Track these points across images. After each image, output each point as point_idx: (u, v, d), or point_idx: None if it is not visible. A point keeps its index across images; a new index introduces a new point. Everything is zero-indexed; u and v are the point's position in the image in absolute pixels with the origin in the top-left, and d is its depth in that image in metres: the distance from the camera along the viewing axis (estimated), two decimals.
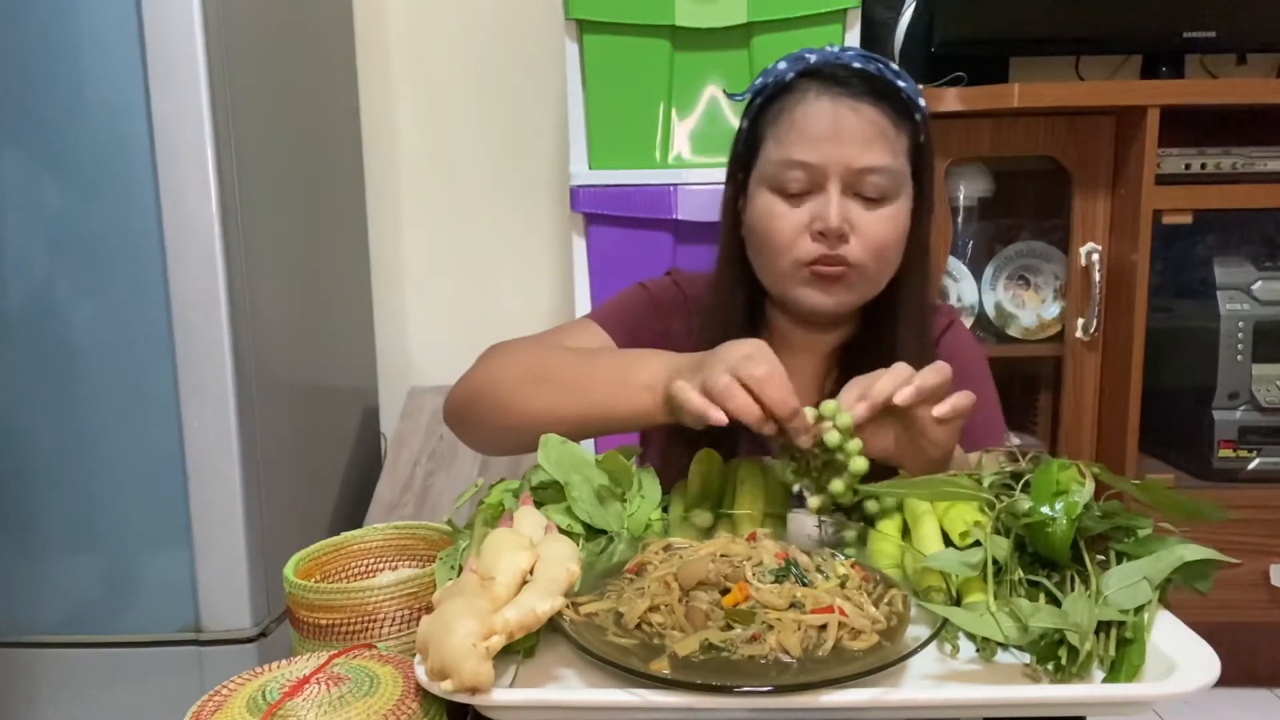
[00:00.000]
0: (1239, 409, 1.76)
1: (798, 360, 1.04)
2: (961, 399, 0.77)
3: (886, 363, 0.92)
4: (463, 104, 2.10)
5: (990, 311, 1.87)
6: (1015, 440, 1.91)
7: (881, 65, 0.93)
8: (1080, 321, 1.78)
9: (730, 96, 1.04)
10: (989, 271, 1.88)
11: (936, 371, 0.77)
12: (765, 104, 0.96)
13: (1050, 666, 0.60)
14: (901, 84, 0.93)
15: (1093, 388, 1.80)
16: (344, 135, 1.98)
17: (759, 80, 0.97)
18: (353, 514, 1.86)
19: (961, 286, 1.87)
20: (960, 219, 1.90)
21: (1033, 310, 1.87)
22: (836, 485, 0.78)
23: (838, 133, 0.90)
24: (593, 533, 0.77)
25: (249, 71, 1.47)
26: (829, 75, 0.92)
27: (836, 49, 0.95)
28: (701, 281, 1.06)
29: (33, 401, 1.42)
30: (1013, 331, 1.86)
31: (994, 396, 1.07)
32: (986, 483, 0.74)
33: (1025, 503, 0.68)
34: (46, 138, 1.37)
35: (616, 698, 0.57)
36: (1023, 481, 0.71)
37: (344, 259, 1.97)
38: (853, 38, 1.65)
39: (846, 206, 0.91)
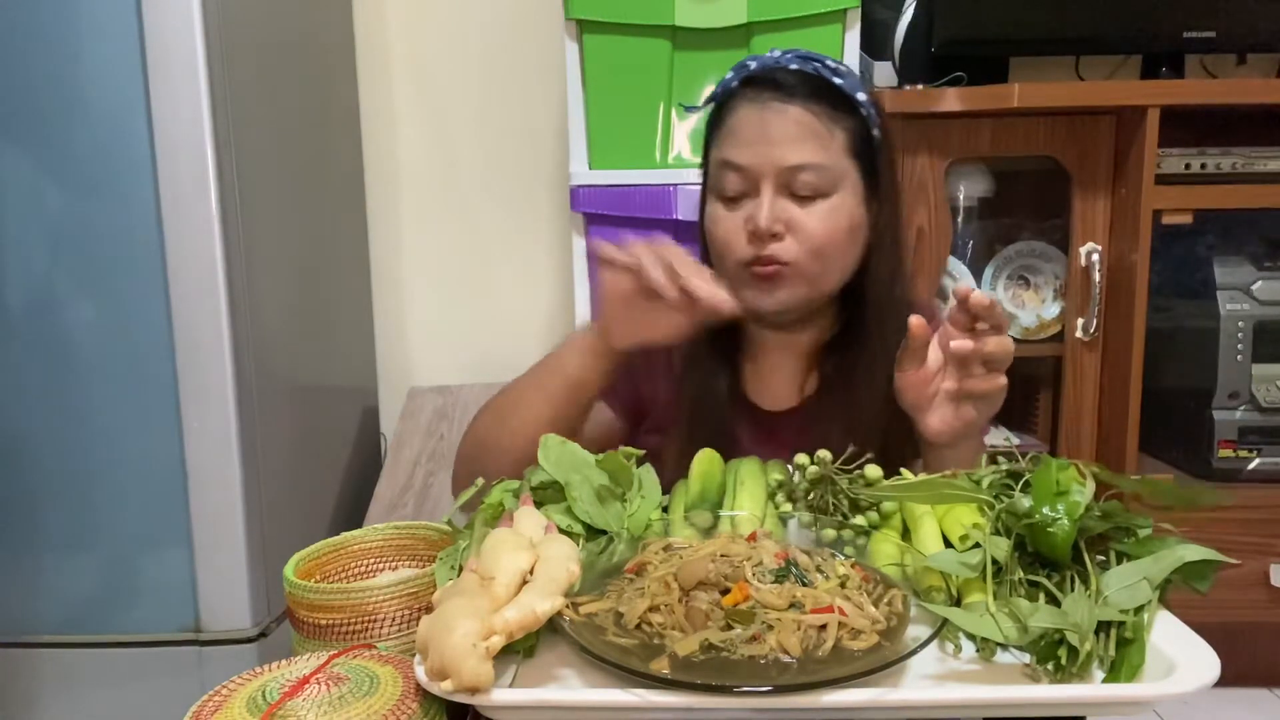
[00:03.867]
0: (1239, 409, 1.76)
1: (775, 361, 1.05)
2: (995, 344, 0.79)
3: (865, 360, 0.95)
4: (463, 104, 2.10)
5: None
6: (1016, 440, 1.92)
7: (819, 64, 0.95)
8: (1080, 321, 1.78)
9: (685, 109, 1.07)
10: (989, 271, 1.88)
11: (1002, 342, 0.80)
12: (714, 114, 1.00)
13: (1050, 666, 0.60)
14: (839, 80, 0.94)
15: (1093, 388, 1.80)
16: (344, 135, 1.98)
17: (714, 91, 0.99)
18: (353, 514, 1.86)
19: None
20: (960, 219, 1.90)
21: (1033, 310, 1.87)
22: (859, 520, 0.79)
23: (765, 134, 0.92)
24: (593, 533, 0.77)
25: (249, 71, 1.47)
26: (763, 79, 0.95)
27: (779, 53, 0.97)
28: None
29: (33, 401, 1.42)
30: (1013, 331, 1.86)
31: None
32: (986, 483, 0.74)
33: (1025, 503, 0.68)
34: (46, 138, 1.37)
35: (616, 698, 0.57)
36: (1022, 481, 0.71)
37: (344, 259, 1.97)
38: (852, 38, 1.65)
39: (782, 206, 0.93)
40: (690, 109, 1.06)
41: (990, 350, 0.79)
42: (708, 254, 1.02)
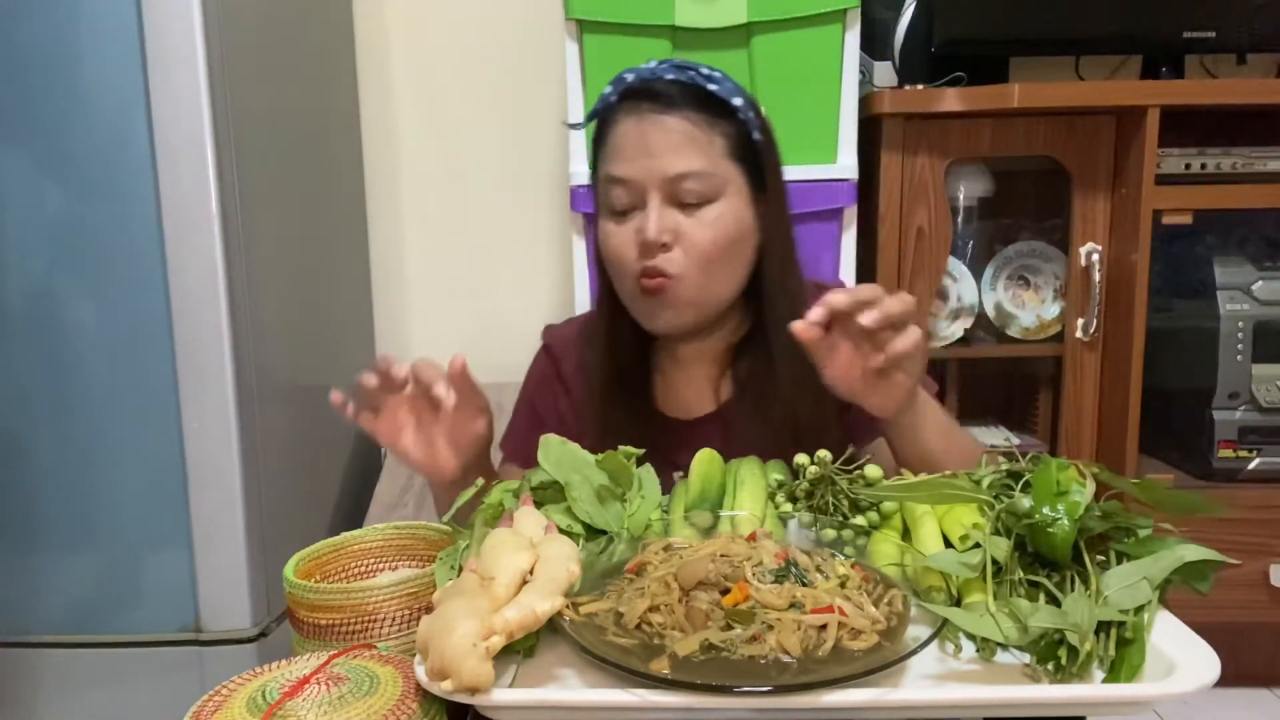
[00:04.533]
0: (1239, 409, 1.76)
1: (689, 372, 1.06)
2: (894, 304, 0.75)
3: (772, 356, 0.96)
4: (463, 104, 2.10)
5: (990, 311, 1.87)
6: (1016, 440, 1.92)
7: (694, 72, 0.96)
8: (1080, 321, 1.78)
9: (569, 126, 1.07)
10: (989, 271, 1.88)
11: (900, 299, 0.76)
12: (597, 130, 1.00)
13: (1050, 666, 0.60)
14: (713, 86, 0.95)
15: (1093, 388, 1.80)
16: (344, 135, 1.98)
17: (595, 106, 1.00)
18: (353, 514, 1.86)
19: (961, 286, 1.87)
20: (960, 219, 1.90)
21: (1033, 310, 1.87)
22: (859, 520, 0.79)
23: (646, 146, 0.93)
24: (593, 533, 0.77)
25: (249, 71, 1.47)
26: (640, 91, 0.95)
27: (654, 64, 0.97)
28: (578, 324, 1.12)
29: (33, 401, 1.42)
30: (1013, 331, 1.86)
31: None
32: (986, 483, 0.74)
33: (1025, 503, 0.68)
34: (46, 138, 1.37)
35: (616, 698, 0.57)
36: (1022, 482, 0.71)
37: (344, 259, 1.97)
38: (852, 38, 1.65)
39: (669, 216, 0.93)
40: (574, 126, 1.07)
41: (891, 311, 0.75)
42: (604, 276, 1.02)
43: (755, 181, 0.98)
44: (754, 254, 0.99)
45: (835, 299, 0.75)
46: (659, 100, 0.94)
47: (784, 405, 0.97)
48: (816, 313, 0.75)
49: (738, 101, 0.96)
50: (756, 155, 0.98)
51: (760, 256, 0.99)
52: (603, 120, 0.99)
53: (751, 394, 1.01)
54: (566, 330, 1.13)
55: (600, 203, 0.99)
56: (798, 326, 0.76)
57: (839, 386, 0.82)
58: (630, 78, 0.97)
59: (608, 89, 0.98)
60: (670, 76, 0.95)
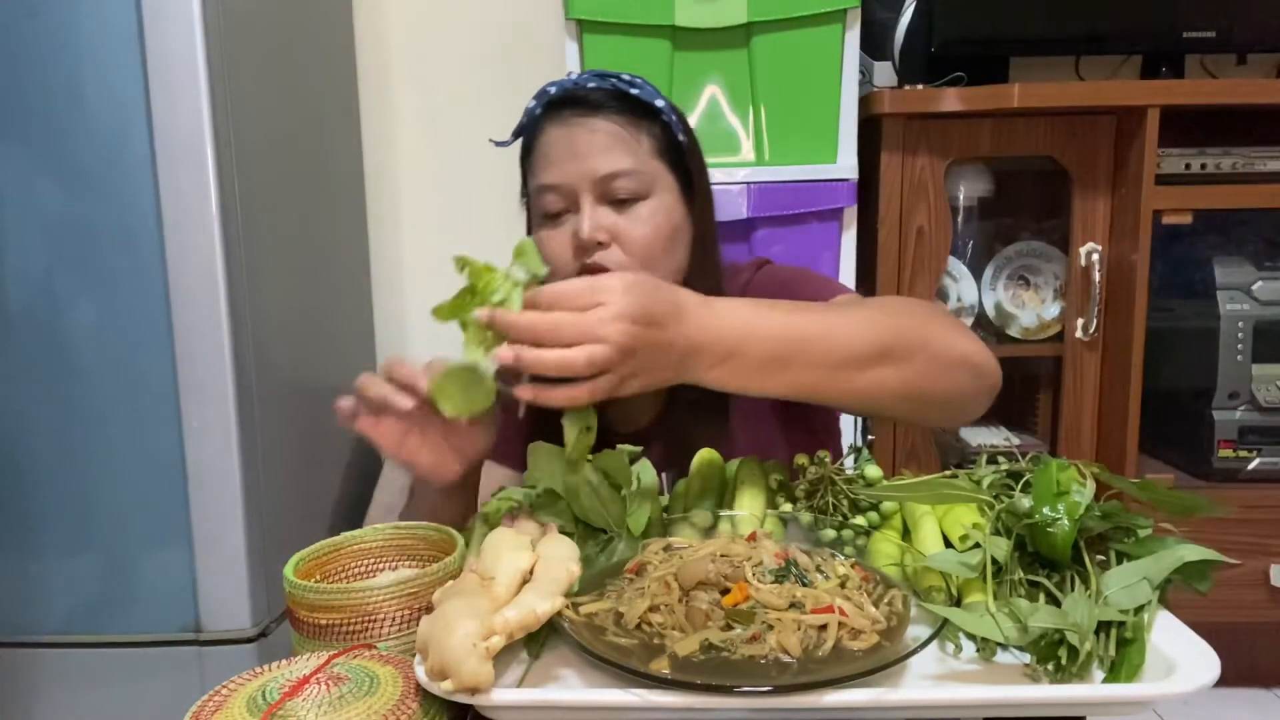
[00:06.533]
0: (1239, 409, 1.76)
1: None
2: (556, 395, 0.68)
3: None
4: (463, 104, 2.10)
5: (990, 311, 1.87)
6: (1016, 440, 1.92)
7: (615, 79, 0.97)
8: (1080, 321, 1.78)
9: (496, 144, 1.08)
10: (989, 271, 1.88)
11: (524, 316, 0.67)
12: (525, 145, 1.01)
13: (1050, 666, 0.60)
14: (635, 90, 0.97)
15: (1093, 388, 1.80)
16: (344, 135, 1.98)
17: (520, 122, 1.00)
18: (353, 514, 1.86)
19: (961, 286, 1.87)
20: (960, 219, 1.91)
21: (1033, 310, 1.87)
22: (859, 520, 0.79)
23: (574, 149, 0.94)
24: (592, 532, 0.77)
25: (249, 71, 1.47)
26: (563, 100, 0.97)
27: (575, 75, 0.99)
28: None
29: (32, 401, 1.42)
30: (1013, 331, 1.86)
31: (829, 285, 1.02)
32: (986, 483, 0.74)
33: (1025, 503, 0.68)
34: (46, 138, 1.37)
35: (616, 698, 0.57)
36: (1022, 482, 0.71)
37: (344, 259, 1.97)
38: (852, 38, 1.65)
39: (603, 214, 0.94)
40: (500, 144, 1.07)
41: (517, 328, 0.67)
42: None
43: (683, 181, 0.99)
44: (687, 252, 0.99)
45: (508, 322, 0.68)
46: (583, 105, 0.95)
47: (723, 403, 0.97)
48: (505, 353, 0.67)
49: (660, 103, 0.98)
50: (682, 156, 0.99)
51: (691, 255, 0.99)
52: (528, 135, 0.99)
53: (685, 400, 0.99)
54: None
55: (533, 213, 0.99)
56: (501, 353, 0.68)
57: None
58: (553, 90, 0.98)
59: (531, 103, 0.99)
60: (592, 84, 0.97)
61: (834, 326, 0.74)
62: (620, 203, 0.94)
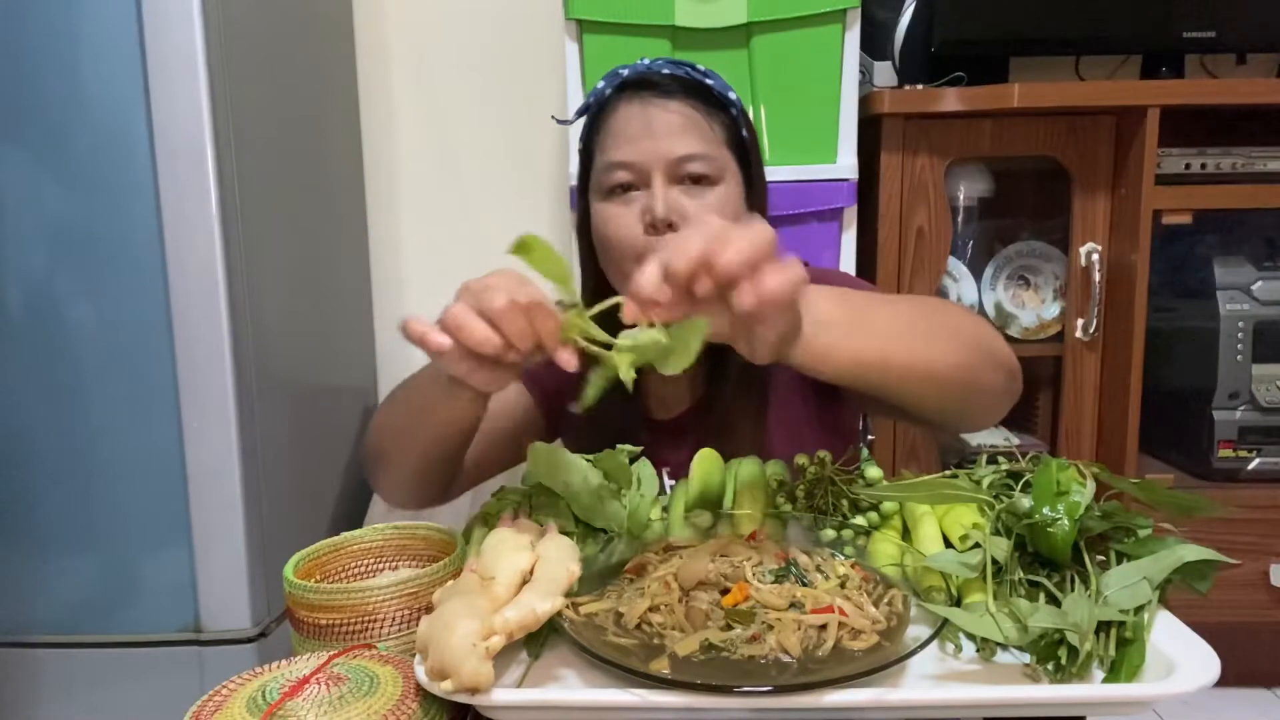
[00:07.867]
0: (1239, 409, 1.76)
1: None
2: (733, 255, 0.58)
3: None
4: (463, 104, 2.10)
5: (990, 311, 1.87)
6: (1016, 440, 1.92)
7: (689, 68, 0.98)
8: (1080, 321, 1.78)
9: (558, 122, 1.07)
10: (989, 271, 1.88)
11: (748, 238, 0.59)
12: (591, 123, 1.00)
13: (1050, 666, 0.60)
14: (710, 81, 0.98)
15: (1093, 388, 1.80)
16: (344, 134, 1.98)
17: (585, 102, 1.01)
18: (353, 514, 1.86)
19: (961, 286, 1.87)
20: (960, 219, 1.90)
21: (1033, 310, 1.87)
22: (859, 520, 0.79)
23: (651, 129, 0.94)
24: (592, 532, 0.77)
25: (249, 71, 1.47)
26: (638, 83, 0.97)
27: (648, 60, 0.99)
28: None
29: (33, 401, 1.42)
30: (1013, 331, 1.86)
31: (861, 284, 1.03)
32: (986, 483, 0.74)
33: (1025, 503, 0.68)
34: (46, 138, 1.37)
35: (616, 698, 0.57)
36: (1022, 482, 0.71)
37: (344, 259, 1.97)
38: (852, 38, 1.65)
39: (674, 196, 0.93)
40: (563, 122, 1.07)
41: (729, 267, 0.58)
42: (591, 265, 1.01)
43: (745, 176, 0.99)
44: None
45: (675, 266, 0.59)
46: (658, 89, 0.96)
47: (760, 395, 0.97)
48: (648, 282, 0.61)
49: (731, 96, 0.98)
50: (747, 151, 0.99)
51: None
52: (597, 112, 0.99)
53: (731, 387, 1.00)
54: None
55: (599, 189, 0.97)
56: (629, 309, 0.62)
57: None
58: (626, 72, 0.98)
59: (600, 84, 0.99)
60: (667, 71, 0.97)
61: (897, 299, 0.80)
62: (689, 187, 0.94)
